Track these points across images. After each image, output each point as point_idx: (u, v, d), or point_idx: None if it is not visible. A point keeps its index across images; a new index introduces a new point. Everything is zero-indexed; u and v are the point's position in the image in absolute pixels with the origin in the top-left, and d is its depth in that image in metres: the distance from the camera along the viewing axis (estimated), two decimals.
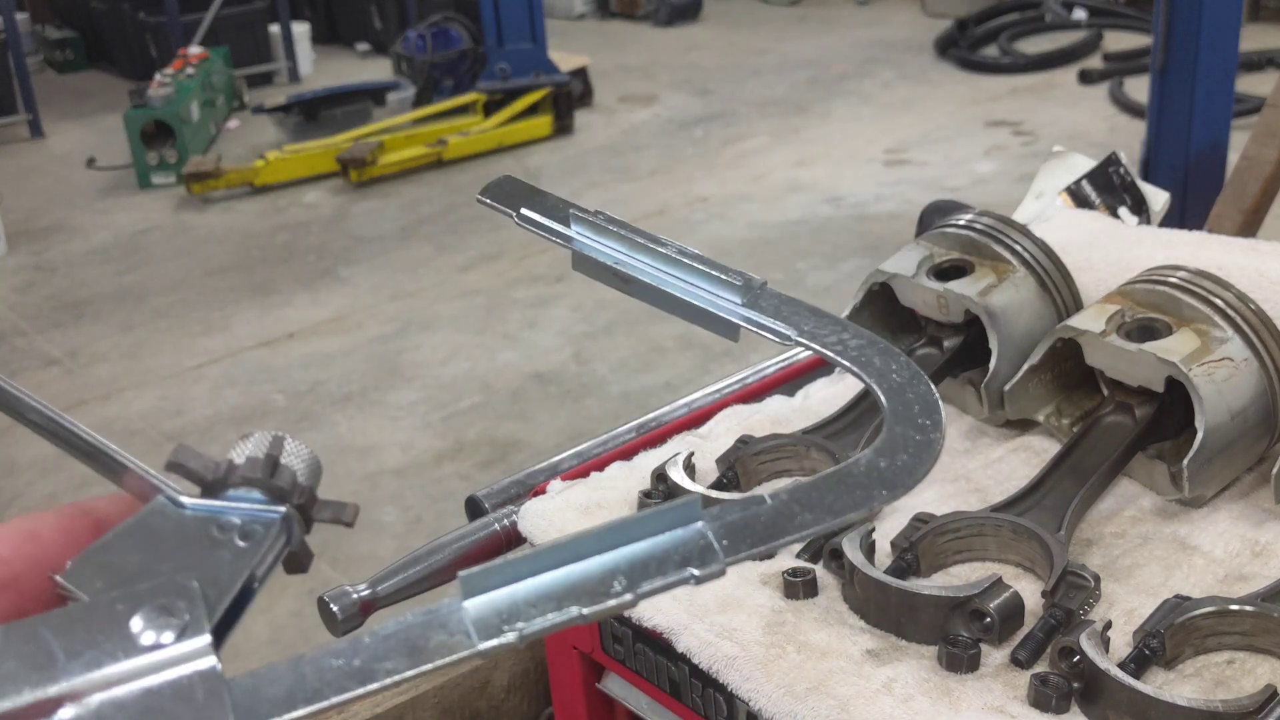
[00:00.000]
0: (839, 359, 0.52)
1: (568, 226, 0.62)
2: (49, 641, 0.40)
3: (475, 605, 0.42)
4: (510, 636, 0.41)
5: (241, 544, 0.46)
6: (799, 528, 0.44)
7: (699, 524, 0.44)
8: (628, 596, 0.43)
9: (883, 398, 0.49)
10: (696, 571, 0.43)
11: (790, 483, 0.45)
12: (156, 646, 0.40)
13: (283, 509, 0.47)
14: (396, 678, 0.41)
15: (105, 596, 0.42)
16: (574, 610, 0.42)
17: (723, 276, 0.56)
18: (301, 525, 0.48)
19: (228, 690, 0.40)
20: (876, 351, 0.51)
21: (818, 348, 0.52)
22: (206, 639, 0.41)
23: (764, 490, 0.48)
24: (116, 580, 0.44)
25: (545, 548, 0.43)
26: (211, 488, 0.47)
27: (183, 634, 0.41)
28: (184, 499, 0.47)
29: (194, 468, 0.48)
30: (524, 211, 0.63)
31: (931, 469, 0.46)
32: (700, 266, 0.57)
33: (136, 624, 0.41)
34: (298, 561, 0.49)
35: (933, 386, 0.49)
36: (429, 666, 0.41)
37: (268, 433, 0.50)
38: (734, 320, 0.56)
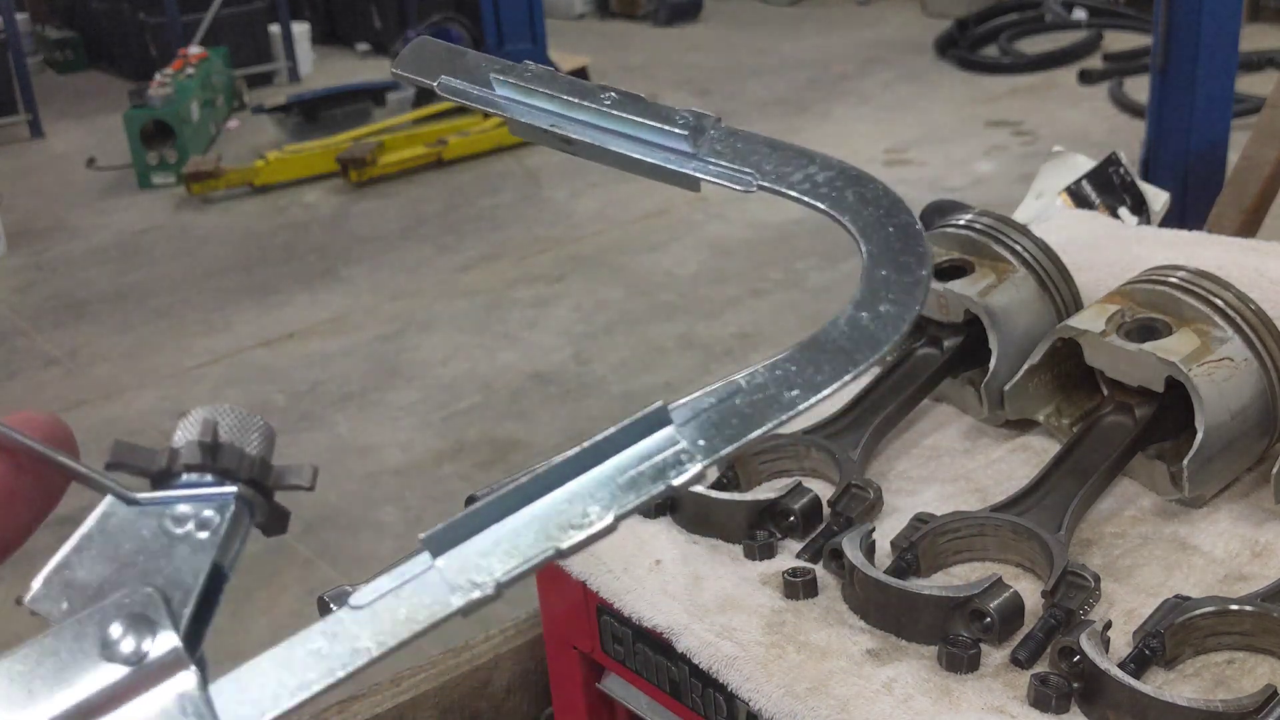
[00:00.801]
0: (807, 199, 0.47)
1: (493, 91, 0.55)
2: (22, 679, 0.39)
3: (445, 563, 0.40)
4: (487, 589, 0.39)
5: (201, 535, 0.44)
6: (782, 409, 0.40)
7: (669, 428, 0.41)
8: (606, 521, 0.40)
9: (859, 238, 0.44)
10: (674, 480, 0.40)
11: (764, 364, 0.40)
12: (130, 664, 0.39)
13: (234, 489, 0.45)
14: (379, 653, 0.39)
15: (70, 621, 0.41)
16: (549, 547, 0.39)
17: (668, 126, 0.51)
18: (259, 498, 0.46)
19: (210, 697, 0.39)
20: (848, 181, 0.46)
21: (784, 191, 0.47)
22: (179, 646, 0.40)
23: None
24: (82, 597, 0.42)
25: (509, 489, 0.40)
26: (158, 479, 0.46)
27: (155, 646, 0.40)
28: (134, 495, 0.45)
29: (136, 463, 0.46)
30: (444, 80, 0.56)
31: (919, 312, 0.41)
32: (642, 118, 0.52)
33: (105, 644, 0.40)
34: (272, 527, 0.47)
35: (913, 215, 0.44)
36: (408, 634, 0.39)
37: (203, 408, 0.48)
38: (688, 172, 0.51)
